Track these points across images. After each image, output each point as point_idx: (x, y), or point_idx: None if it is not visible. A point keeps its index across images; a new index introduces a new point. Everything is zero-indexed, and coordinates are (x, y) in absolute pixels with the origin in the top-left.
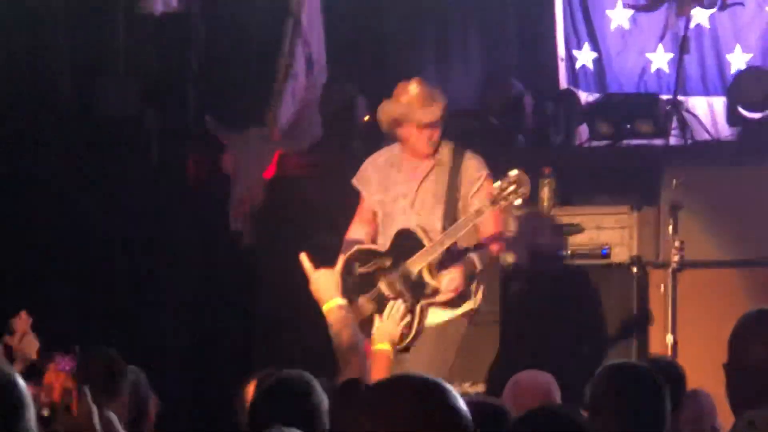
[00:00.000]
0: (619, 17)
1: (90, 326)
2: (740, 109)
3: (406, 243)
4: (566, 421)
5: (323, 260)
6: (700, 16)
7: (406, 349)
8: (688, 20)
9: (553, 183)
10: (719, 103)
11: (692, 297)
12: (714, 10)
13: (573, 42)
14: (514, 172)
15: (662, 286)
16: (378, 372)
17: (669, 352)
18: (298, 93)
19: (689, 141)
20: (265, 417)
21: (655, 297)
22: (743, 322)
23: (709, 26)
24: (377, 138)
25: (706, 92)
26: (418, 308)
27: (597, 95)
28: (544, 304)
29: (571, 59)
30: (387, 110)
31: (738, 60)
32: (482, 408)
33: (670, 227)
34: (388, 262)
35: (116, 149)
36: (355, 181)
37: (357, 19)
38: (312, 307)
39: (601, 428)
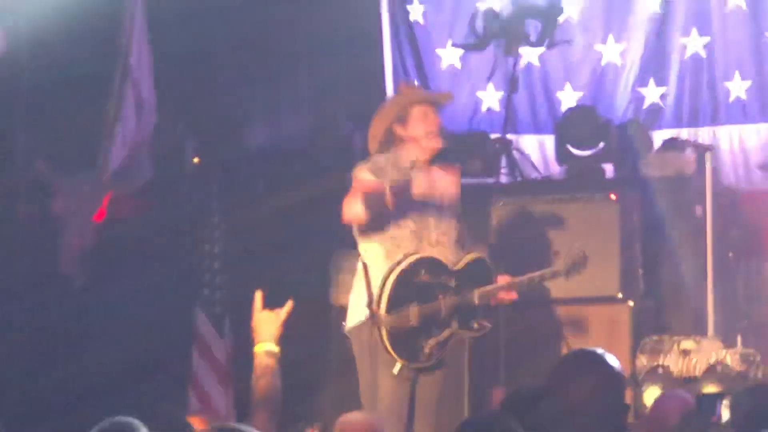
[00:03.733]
0: (449, 56)
1: None
2: (569, 147)
3: (477, 270)
4: None
5: (157, 298)
6: (529, 54)
7: (422, 369)
8: (518, 59)
9: None
10: (550, 141)
11: (520, 335)
12: (543, 48)
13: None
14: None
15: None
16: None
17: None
18: (129, 135)
19: (519, 179)
20: None
21: (486, 336)
22: (561, 364)
23: (539, 64)
24: (207, 179)
25: (537, 130)
26: (454, 336)
27: None
28: None
29: None
30: (395, 102)
31: (568, 98)
32: None
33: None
34: (452, 282)
35: None
36: (366, 172)
37: (186, 61)
38: (144, 348)
39: None
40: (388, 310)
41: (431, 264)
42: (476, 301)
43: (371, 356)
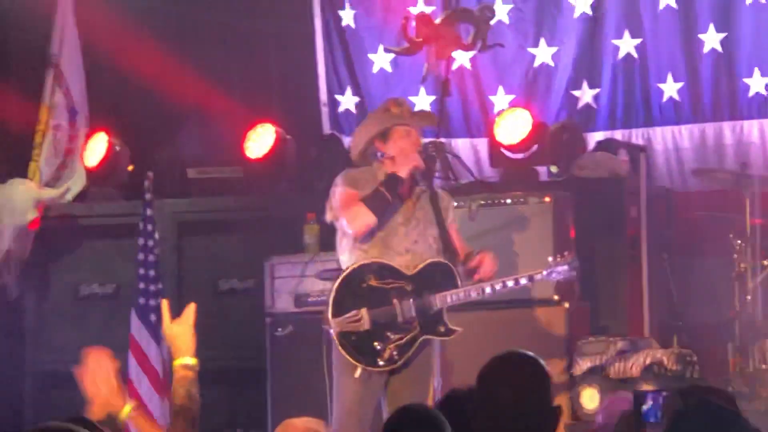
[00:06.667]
0: (380, 61)
1: None
2: (502, 150)
3: (437, 275)
4: None
5: (92, 310)
6: (461, 57)
7: (386, 372)
8: (450, 62)
9: (316, 229)
10: (483, 144)
11: (456, 339)
12: (475, 51)
13: (335, 86)
14: (571, 254)
15: None
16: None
17: (434, 395)
18: (61, 143)
19: (452, 182)
20: None
21: None
22: (490, 365)
23: (471, 68)
24: (141, 188)
25: (470, 134)
26: (419, 341)
27: None
28: (308, 351)
29: (333, 104)
30: (379, 119)
31: (501, 101)
32: None
33: None
34: (410, 287)
35: None
36: (347, 186)
37: (118, 67)
38: (80, 355)
39: None
40: (334, 315)
41: (381, 269)
42: (437, 305)
43: (337, 358)
